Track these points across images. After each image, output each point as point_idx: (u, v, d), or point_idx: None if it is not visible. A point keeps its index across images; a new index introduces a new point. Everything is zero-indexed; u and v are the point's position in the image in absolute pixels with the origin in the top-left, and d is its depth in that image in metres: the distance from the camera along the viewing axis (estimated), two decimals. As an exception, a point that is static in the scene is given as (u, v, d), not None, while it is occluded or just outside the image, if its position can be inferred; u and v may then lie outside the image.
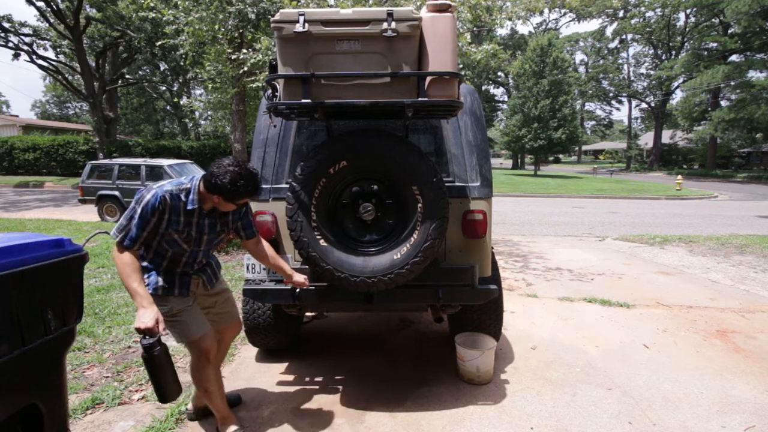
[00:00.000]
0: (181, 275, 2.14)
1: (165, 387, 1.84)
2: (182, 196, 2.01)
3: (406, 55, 1.99)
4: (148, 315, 1.83)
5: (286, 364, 3.08)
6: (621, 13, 40.19)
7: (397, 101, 2.02)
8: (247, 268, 2.70)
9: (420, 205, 2.21)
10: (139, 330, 1.80)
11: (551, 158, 53.85)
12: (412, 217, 2.24)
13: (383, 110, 2.22)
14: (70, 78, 21.49)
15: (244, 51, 5.57)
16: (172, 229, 2.00)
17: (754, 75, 29.28)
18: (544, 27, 46.69)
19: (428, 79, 2.04)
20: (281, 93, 2.09)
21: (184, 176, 2.24)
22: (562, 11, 41.87)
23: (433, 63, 2.02)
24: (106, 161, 10.99)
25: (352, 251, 2.28)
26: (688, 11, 35.38)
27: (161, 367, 1.82)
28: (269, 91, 2.15)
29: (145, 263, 2.09)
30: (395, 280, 2.23)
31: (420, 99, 2.02)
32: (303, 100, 2.03)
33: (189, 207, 2.01)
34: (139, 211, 1.91)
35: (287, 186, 2.67)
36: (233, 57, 5.52)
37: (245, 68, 5.30)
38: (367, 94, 2.02)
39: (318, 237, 2.26)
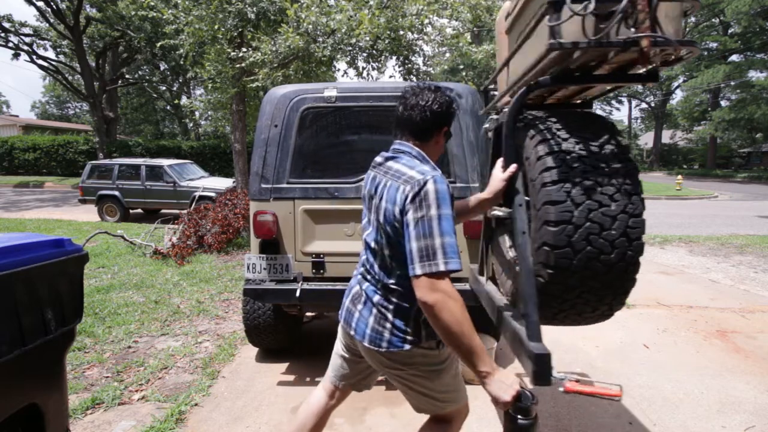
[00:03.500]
0: None
1: None
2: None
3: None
4: (510, 373, 1.25)
5: (286, 364, 3.08)
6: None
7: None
8: (248, 268, 2.70)
9: None
10: (518, 395, 1.21)
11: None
12: None
13: None
14: (70, 78, 21.48)
15: (244, 49, 5.58)
16: None
17: (754, 75, 29.27)
18: (544, 27, 46.57)
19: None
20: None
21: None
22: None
23: None
24: (107, 161, 11.01)
25: None
26: (688, 11, 35.29)
27: None
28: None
29: (402, 299, 1.41)
30: None
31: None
32: None
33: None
34: (438, 212, 1.24)
35: (287, 186, 2.68)
36: (233, 55, 5.53)
37: (244, 65, 5.30)
38: None
39: None
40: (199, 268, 5.61)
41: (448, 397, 1.51)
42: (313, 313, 3.95)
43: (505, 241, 2.06)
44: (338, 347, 1.69)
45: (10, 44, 18.02)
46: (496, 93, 2.05)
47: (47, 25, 18.21)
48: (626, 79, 1.44)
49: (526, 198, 1.51)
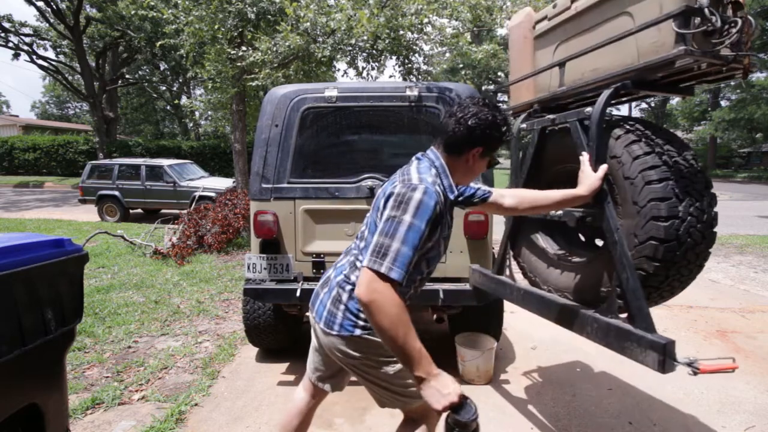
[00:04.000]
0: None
1: None
2: (441, 181, 1.38)
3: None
4: (449, 382, 1.18)
5: (286, 364, 3.08)
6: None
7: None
8: (248, 268, 2.70)
9: None
10: (451, 406, 1.16)
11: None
12: None
13: None
14: (70, 78, 21.46)
15: (244, 48, 5.57)
16: (444, 235, 1.41)
17: (754, 75, 29.25)
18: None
19: None
20: None
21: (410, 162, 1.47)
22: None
23: None
24: (107, 161, 11.01)
25: None
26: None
27: None
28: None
29: None
30: None
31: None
32: None
33: (451, 195, 1.41)
34: (411, 220, 1.20)
35: (287, 186, 2.68)
36: (232, 54, 5.53)
37: (243, 65, 5.30)
38: None
39: None
40: (199, 268, 5.61)
41: (410, 392, 1.44)
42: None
43: (540, 239, 2.13)
44: (313, 341, 1.66)
45: (10, 44, 18.01)
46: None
47: (47, 25, 18.19)
48: (675, 91, 1.67)
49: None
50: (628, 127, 1.62)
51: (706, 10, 1.33)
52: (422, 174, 1.32)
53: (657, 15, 1.45)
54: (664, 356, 1.34)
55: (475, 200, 1.64)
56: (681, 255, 1.50)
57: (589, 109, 1.65)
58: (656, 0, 1.47)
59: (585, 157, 1.63)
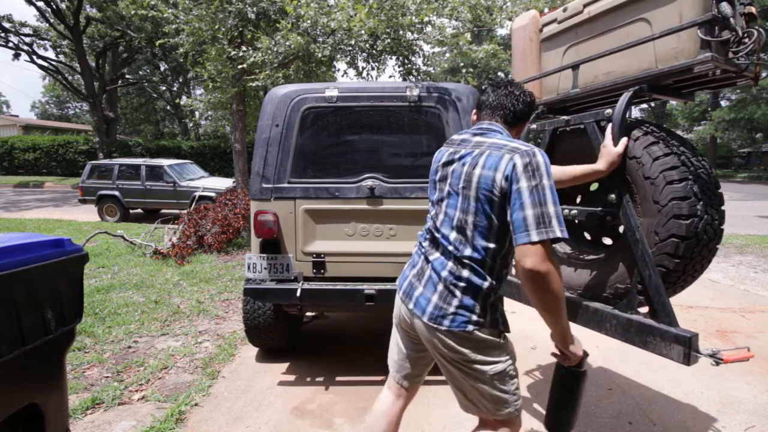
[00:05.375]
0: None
1: (574, 413, 1.53)
2: None
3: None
4: (580, 345, 1.44)
5: (286, 364, 3.08)
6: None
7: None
8: (248, 268, 2.70)
9: None
10: (572, 356, 1.42)
11: (551, 158, 53.76)
12: None
13: None
14: (70, 78, 21.47)
15: (244, 48, 5.57)
16: None
17: (754, 75, 29.25)
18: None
19: None
20: None
21: None
22: (562, 11, 41.68)
23: None
24: (107, 161, 11.01)
25: None
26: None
27: (580, 392, 1.52)
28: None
29: (474, 274, 1.36)
30: None
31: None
32: None
33: None
34: (549, 182, 1.25)
35: (288, 186, 2.68)
36: (233, 53, 5.53)
37: (244, 65, 5.30)
38: None
39: None
40: (199, 268, 5.61)
41: (505, 398, 1.41)
42: (314, 313, 3.94)
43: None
44: (397, 339, 1.61)
45: (10, 44, 18.01)
46: None
47: (47, 25, 18.19)
48: (678, 96, 1.76)
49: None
50: (645, 128, 1.67)
51: (731, 20, 1.41)
52: (513, 141, 1.37)
53: (676, 22, 1.52)
54: (689, 349, 1.39)
55: None
56: (698, 251, 1.57)
57: (609, 110, 1.70)
58: (676, 8, 1.53)
59: (608, 131, 1.66)
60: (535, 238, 1.20)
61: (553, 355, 1.52)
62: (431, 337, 1.41)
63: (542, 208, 1.21)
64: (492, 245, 1.34)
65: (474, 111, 1.60)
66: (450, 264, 1.38)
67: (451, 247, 1.39)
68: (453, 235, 1.39)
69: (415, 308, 1.43)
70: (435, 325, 1.37)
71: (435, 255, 1.44)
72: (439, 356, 1.44)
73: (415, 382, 1.64)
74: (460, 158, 1.41)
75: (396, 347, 1.63)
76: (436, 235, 1.45)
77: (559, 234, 1.20)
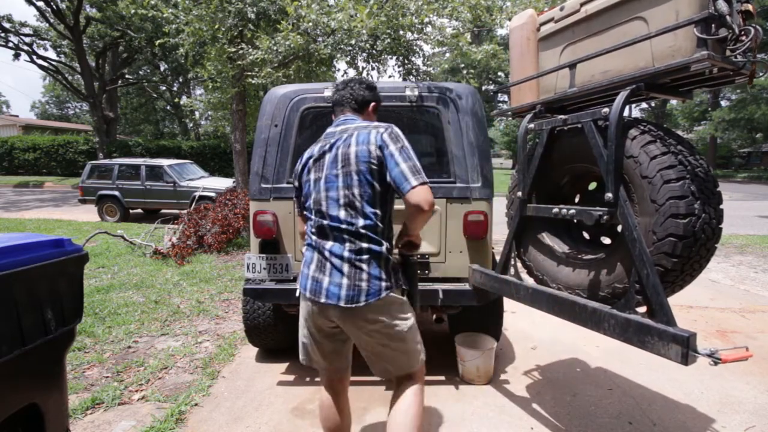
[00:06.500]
0: None
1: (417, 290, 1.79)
2: None
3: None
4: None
5: (286, 364, 3.08)
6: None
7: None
8: (248, 268, 2.70)
9: None
10: (414, 246, 1.72)
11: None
12: None
13: None
14: (70, 78, 21.47)
15: (243, 46, 5.57)
16: None
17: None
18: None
19: None
20: None
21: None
22: (562, 11, 41.65)
23: None
24: (106, 161, 11.01)
25: None
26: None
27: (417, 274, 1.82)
28: None
29: (372, 242, 1.54)
30: None
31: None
32: None
33: None
34: (407, 144, 1.57)
35: (287, 186, 2.68)
36: (232, 53, 5.53)
37: (244, 64, 5.30)
38: None
39: None
40: (199, 268, 5.61)
41: (419, 348, 1.63)
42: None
43: (546, 237, 2.16)
44: (312, 345, 1.69)
45: (10, 44, 18.00)
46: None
47: (47, 25, 18.19)
48: (675, 94, 1.76)
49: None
50: (642, 127, 1.66)
51: (728, 18, 1.40)
52: (371, 123, 1.65)
53: (673, 21, 1.51)
54: (687, 348, 1.39)
55: None
56: (696, 251, 1.57)
57: (605, 109, 1.69)
58: (672, 6, 1.52)
59: None
60: (415, 182, 1.46)
61: (400, 252, 1.73)
62: (353, 318, 1.52)
63: (412, 162, 1.50)
64: (378, 211, 1.54)
65: (332, 115, 1.82)
66: (347, 243, 1.52)
67: (344, 225, 1.53)
68: (342, 213, 1.54)
69: (328, 299, 1.52)
70: (353, 305, 1.48)
71: (329, 243, 1.56)
72: (361, 333, 1.54)
73: (347, 371, 1.79)
74: (331, 147, 1.61)
75: (317, 352, 1.70)
76: (324, 222, 1.56)
77: (427, 179, 1.49)
